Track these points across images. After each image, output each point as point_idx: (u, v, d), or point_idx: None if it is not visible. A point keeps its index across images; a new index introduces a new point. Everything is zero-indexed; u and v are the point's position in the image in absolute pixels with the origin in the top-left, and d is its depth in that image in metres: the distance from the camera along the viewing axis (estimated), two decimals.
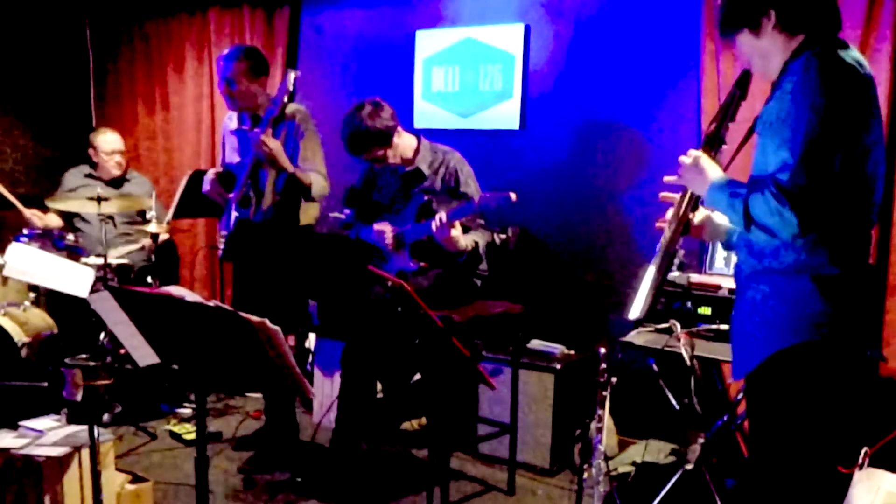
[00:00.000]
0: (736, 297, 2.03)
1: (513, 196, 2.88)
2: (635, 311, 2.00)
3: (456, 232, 3.04)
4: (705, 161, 1.94)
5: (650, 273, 2.01)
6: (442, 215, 3.00)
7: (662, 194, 2.11)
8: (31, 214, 4.46)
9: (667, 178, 2.08)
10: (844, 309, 1.82)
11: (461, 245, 3.10)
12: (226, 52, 3.58)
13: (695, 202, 2.03)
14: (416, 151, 3.34)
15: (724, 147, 2.01)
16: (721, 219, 2.09)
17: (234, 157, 3.66)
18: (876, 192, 1.85)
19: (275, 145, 3.41)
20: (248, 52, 3.58)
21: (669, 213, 2.09)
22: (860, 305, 1.85)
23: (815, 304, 1.81)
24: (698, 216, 2.10)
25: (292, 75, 3.37)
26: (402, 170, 3.36)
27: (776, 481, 1.88)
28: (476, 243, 3.19)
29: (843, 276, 1.81)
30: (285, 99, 3.41)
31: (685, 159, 1.98)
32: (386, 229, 3.32)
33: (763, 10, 1.87)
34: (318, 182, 3.55)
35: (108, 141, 4.72)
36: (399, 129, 3.29)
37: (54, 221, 4.57)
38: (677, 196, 2.06)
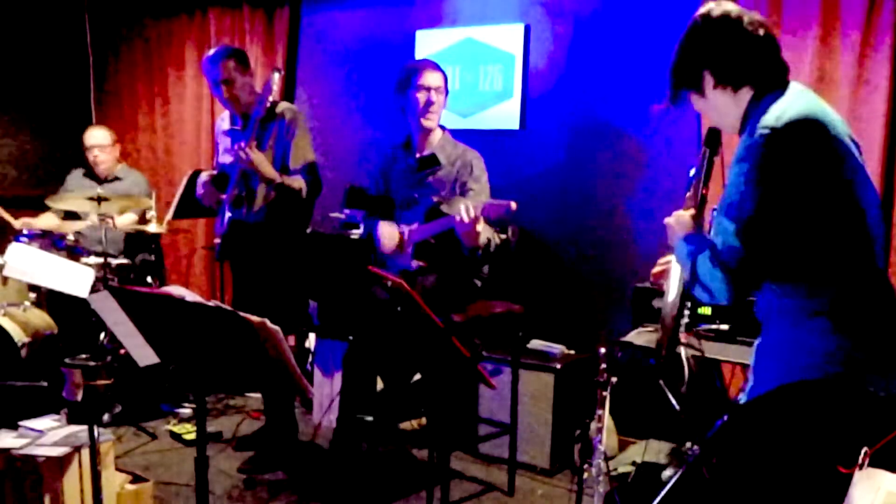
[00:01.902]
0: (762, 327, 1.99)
1: (513, 206, 2.87)
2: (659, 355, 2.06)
3: (480, 226, 3.02)
4: (683, 218, 1.97)
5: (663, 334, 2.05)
6: (470, 207, 2.95)
7: (656, 269, 2.16)
8: (23, 224, 4.46)
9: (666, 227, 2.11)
10: (851, 345, 1.76)
11: (483, 240, 3.08)
12: (209, 56, 3.61)
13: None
14: (438, 140, 3.37)
15: (707, 205, 2.03)
16: None
17: (227, 158, 3.66)
18: (871, 227, 1.79)
19: (256, 157, 3.42)
20: (232, 50, 3.66)
21: (658, 268, 2.14)
22: (874, 338, 1.78)
23: (819, 342, 1.76)
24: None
25: (276, 75, 3.45)
26: (414, 158, 3.36)
27: (775, 481, 1.87)
28: (489, 239, 3.20)
29: (849, 312, 1.76)
30: (270, 98, 3.43)
31: (669, 220, 2.02)
32: (392, 233, 3.31)
33: (699, 72, 1.90)
34: (306, 183, 3.57)
35: (89, 136, 4.72)
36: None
37: (46, 223, 4.56)
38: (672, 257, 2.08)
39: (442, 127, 3.41)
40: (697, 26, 1.91)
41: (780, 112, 1.75)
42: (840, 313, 1.76)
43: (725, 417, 2.00)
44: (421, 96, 3.28)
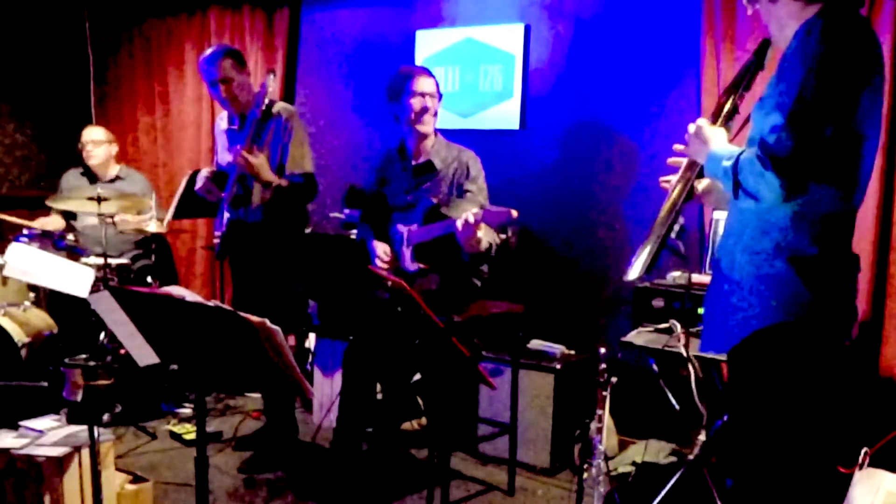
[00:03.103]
0: (713, 273, 2.04)
1: (514, 213, 2.85)
2: (634, 271, 2.00)
3: (481, 232, 3.02)
4: (707, 130, 1.96)
5: (652, 234, 2.01)
6: (469, 215, 2.94)
7: (670, 159, 2.14)
8: (41, 224, 4.50)
9: (676, 147, 2.09)
10: (823, 293, 1.82)
11: (483, 245, 3.08)
12: (206, 56, 3.60)
13: (699, 169, 2.04)
14: (433, 145, 3.36)
15: (738, 116, 2.02)
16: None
17: (226, 157, 3.66)
18: (863, 166, 1.82)
19: (255, 161, 3.42)
20: (228, 49, 3.66)
21: (674, 177, 2.11)
22: (840, 290, 1.85)
23: (794, 286, 1.81)
24: (702, 183, 2.11)
25: (271, 77, 3.47)
26: (415, 162, 3.36)
27: (774, 480, 1.88)
28: (490, 243, 3.19)
29: (822, 259, 1.81)
30: (267, 99, 3.44)
31: (691, 127, 2.00)
32: (385, 251, 3.31)
33: None
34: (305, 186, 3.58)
35: (85, 131, 4.76)
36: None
37: (55, 224, 4.59)
38: (684, 160, 2.08)
39: (436, 130, 3.39)
40: None
41: (851, 14, 1.77)
42: (815, 258, 1.80)
43: (725, 418, 2.00)
44: (415, 102, 3.26)
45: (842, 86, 1.71)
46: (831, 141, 1.71)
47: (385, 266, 3.29)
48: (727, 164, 1.83)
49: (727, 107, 2.01)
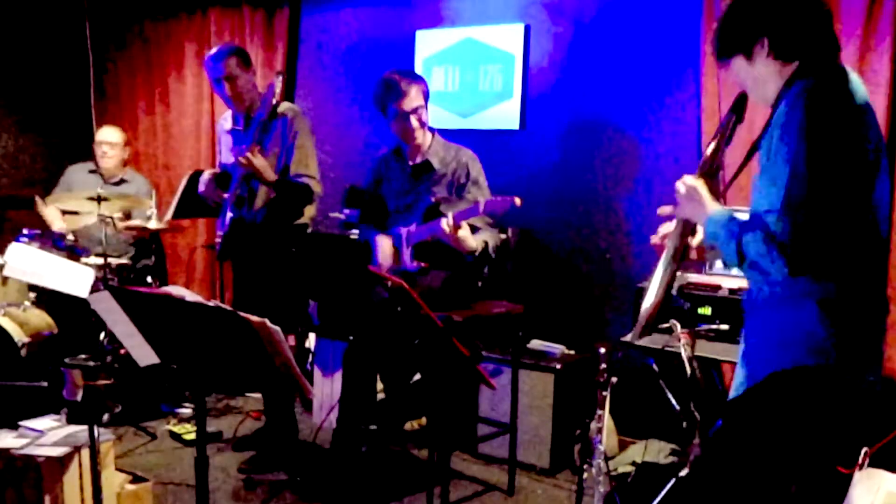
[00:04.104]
0: (746, 318, 1.97)
1: (517, 201, 2.87)
2: (635, 333, 1.99)
3: (464, 232, 3.03)
4: (703, 191, 1.89)
5: (650, 295, 1.97)
6: (449, 217, 2.99)
7: (661, 209, 2.06)
8: (66, 229, 4.52)
9: (662, 210, 2.03)
10: (850, 335, 1.76)
11: (470, 245, 3.09)
12: (212, 54, 3.62)
13: (692, 228, 1.99)
14: (429, 146, 3.35)
15: (721, 172, 1.97)
16: None
17: (230, 158, 3.66)
18: (881, 222, 1.78)
19: (259, 163, 3.41)
20: (234, 48, 3.67)
21: (663, 229, 2.05)
22: (868, 332, 1.79)
23: (819, 328, 1.75)
24: (696, 239, 2.04)
25: (279, 79, 3.47)
26: (412, 163, 3.36)
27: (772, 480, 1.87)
28: (486, 243, 3.19)
29: (850, 302, 1.75)
30: (274, 101, 3.44)
31: (681, 187, 1.93)
32: (388, 248, 3.32)
33: (756, 38, 1.83)
34: (310, 186, 3.58)
35: (101, 131, 4.81)
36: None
37: (56, 220, 4.60)
38: (671, 208, 2.01)
39: (431, 129, 3.39)
40: None
41: (836, 85, 1.72)
42: (841, 301, 1.74)
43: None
44: (401, 123, 3.25)
45: (834, 163, 1.66)
46: (834, 217, 1.67)
47: (388, 261, 3.30)
48: (731, 236, 1.77)
49: (712, 164, 1.95)
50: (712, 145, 1.97)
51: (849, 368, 1.77)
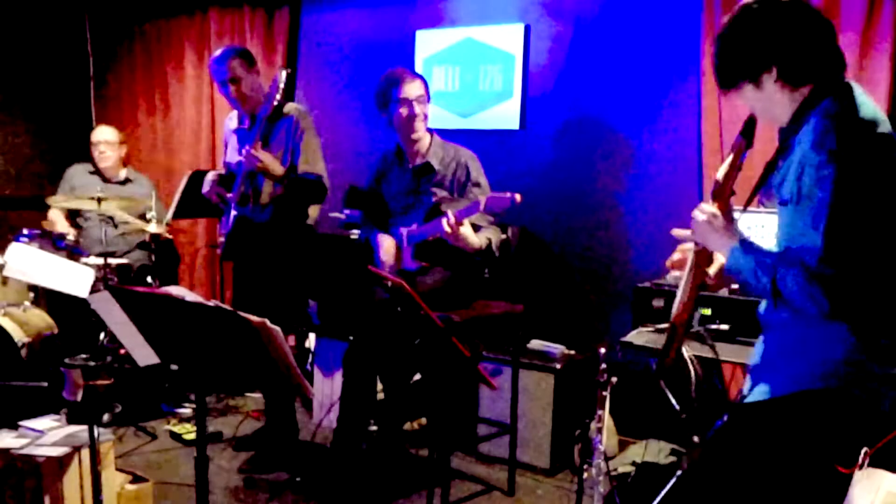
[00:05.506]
0: (765, 331, 1.92)
1: (517, 197, 2.88)
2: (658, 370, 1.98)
3: (465, 230, 3.03)
4: (722, 220, 1.84)
5: (673, 332, 1.94)
6: (450, 215, 2.98)
7: (675, 231, 2.01)
8: (50, 225, 4.53)
9: (676, 233, 1.98)
10: (878, 362, 1.72)
11: (473, 243, 3.09)
12: (216, 56, 3.62)
13: (709, 256, 1.93)
14: (428, 146, 3.35)
15: (733, 197, 1.91)
16: None
17: (235, 157, 3.67)
18: None
19: (265, 158, 3.42)
20: (238, 49, 3.68)
21: (677, 255, 2.01)
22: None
23: (855, 354, 1.71)
24: (714, 267, 1.97)
25: (283, 73, 3.42)
26: (412, 165, 3.36)
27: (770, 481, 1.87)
28: (489, 240, 3.19)
29: (885, 331, 1.71)
30: (278, 97, 3.43)
31: (699, 216, 1.86)
32: (390, 246, 3.31)
33: (765, 66, 1.77)
34: (322, 181, 3.58)
35: (97, 132, 4.78)
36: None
37: (61, 223, 4.60)
38: (688, 232, 1.95)
39: (430, 130, 3.39)
40: (767, 11, 1.76)
41: (859, 111, 1.68)
42: (865, 324, 1.71)
43: (725, 418, 1.98)
44: (403, 111, 3.25)
45: (871, 199, 1.62)
46: (877, 250, 1.63)
47: (391, 260, 3.30)
48: (762, 269, 1.71)
49: (725, 189, 1.88)
50: (723, 170, 1.90)
51: (877, 400, 1.74)
